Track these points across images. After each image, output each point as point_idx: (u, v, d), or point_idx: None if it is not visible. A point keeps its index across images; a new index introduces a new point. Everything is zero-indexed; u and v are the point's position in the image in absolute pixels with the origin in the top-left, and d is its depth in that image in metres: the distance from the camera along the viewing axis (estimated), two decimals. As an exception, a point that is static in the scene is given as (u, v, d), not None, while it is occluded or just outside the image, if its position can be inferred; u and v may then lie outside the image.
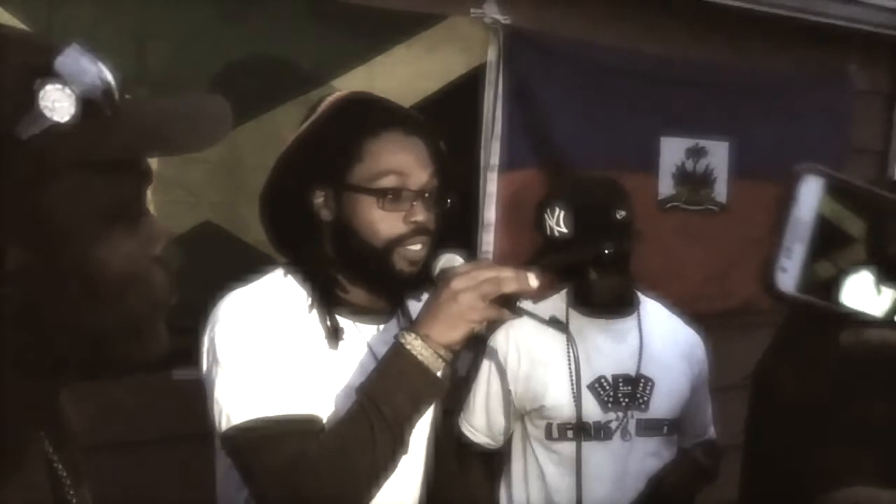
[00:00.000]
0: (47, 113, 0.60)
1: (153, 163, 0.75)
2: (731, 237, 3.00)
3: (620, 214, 2.02)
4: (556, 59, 2.65)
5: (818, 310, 0.67)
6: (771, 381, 1.98)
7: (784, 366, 1.90)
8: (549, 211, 2.02)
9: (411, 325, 1.35)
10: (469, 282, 1.31)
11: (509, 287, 1.32)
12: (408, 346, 1.31)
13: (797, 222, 0.66)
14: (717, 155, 3.01)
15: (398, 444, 1.32)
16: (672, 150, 2.93)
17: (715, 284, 3.01)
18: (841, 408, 1.69)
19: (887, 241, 0.69)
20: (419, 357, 1.30)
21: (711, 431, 2.24)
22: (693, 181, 2.97)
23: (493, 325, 2.05)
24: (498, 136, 2.59)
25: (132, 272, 0.68)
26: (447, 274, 1.36)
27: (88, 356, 0.68)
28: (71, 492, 0.73)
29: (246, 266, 1.53)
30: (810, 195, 0.66)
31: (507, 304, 1.33)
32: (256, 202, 1.52)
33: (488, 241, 2.62)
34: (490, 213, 2.61)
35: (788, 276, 0.66)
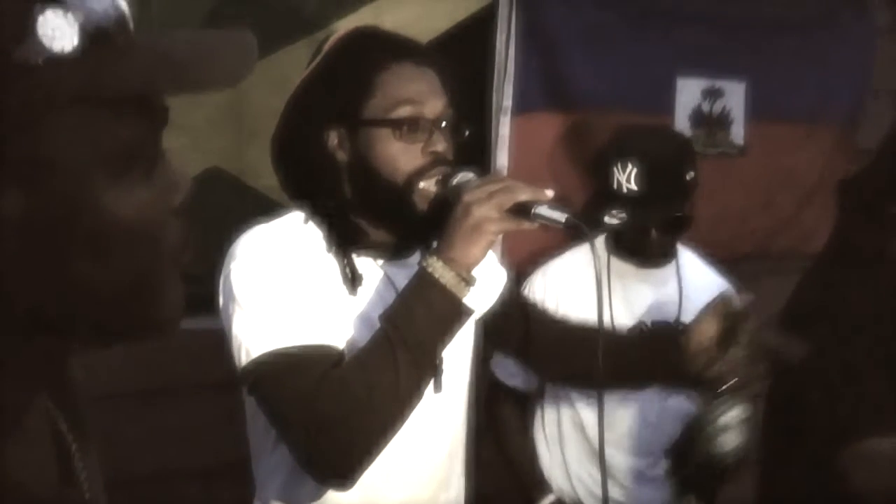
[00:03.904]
0: (46, 42, 0.54)
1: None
2: (748, 181, 2.93)
3: (690, 175, 1.97)
4: (570, -3, 2.56)
5: None
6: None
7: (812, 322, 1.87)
8: (619, 164, 1.96)
9: (433, 249, 1.33)
10: (481, 193, 1.29)
11: (522, 195, 1.29)
12: (429, 269, 1.29)
13: None
14: (734, 96, 2.91)
15: (423, 370, 1.30)
16: (688, 92, 2.83)
17: (728, 229, 2.95)
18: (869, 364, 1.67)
19: None
20: (441, 279, 1.28)
21: None
22: (710, 123, 2.88)
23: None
24: (511, 77, 2.50)
25: (144, 224, 0.61)
26: (459, 190, 1.34)
27: (94, 316, 0.62)
28: (77, 456, 0.68)
29: (255, 213, 1.50)
30: None
31: (522, 214, 1.30)
32: (264, 147, 1.47)
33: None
34: (503, 157, 2.53)
35: None
